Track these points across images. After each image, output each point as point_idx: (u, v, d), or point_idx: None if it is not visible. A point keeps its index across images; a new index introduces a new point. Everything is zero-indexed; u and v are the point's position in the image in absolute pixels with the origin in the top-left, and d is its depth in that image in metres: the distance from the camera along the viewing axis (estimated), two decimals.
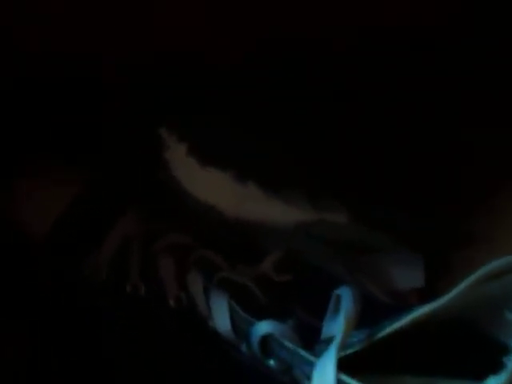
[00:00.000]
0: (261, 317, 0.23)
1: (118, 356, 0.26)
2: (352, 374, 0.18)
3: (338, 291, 0.21)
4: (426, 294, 0.29)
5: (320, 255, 0.26)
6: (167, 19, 0.22)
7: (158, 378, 0.26)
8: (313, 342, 0.22)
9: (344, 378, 0.17)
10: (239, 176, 0.25)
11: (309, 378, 0.19)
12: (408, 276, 0.31)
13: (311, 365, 0.19)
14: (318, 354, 0.19)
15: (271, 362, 0.22)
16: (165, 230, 0.27)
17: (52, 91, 0.29)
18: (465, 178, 0.30)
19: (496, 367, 0.19)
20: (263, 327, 0.22)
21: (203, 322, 0.25)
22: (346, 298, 0.19)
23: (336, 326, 0.20)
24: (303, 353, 0.20)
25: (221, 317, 0.24)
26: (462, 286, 0.19)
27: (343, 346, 0.19)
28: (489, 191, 0.28)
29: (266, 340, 0.22)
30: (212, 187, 0.25)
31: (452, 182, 0.31)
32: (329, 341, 0.20)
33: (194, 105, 0.27)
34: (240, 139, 0.26)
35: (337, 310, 0.21)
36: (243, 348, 0.23)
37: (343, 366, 0.18)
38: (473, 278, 0.19)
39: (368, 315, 0.21)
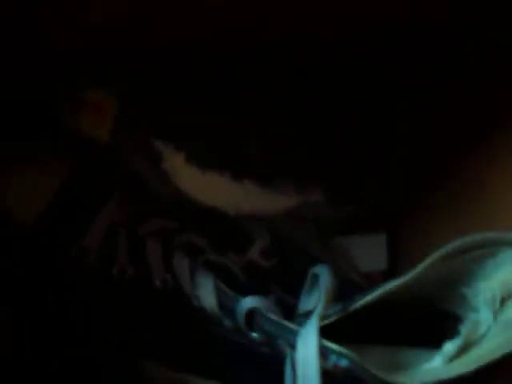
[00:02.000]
0: (242, 294, 0.25)
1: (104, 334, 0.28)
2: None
3: (315, 269, 0.23)
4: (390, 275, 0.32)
5: (300, 237, 0.29)
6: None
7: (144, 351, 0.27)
8: (288, 317, 0.24)
9: (325, 342, 0.19)
10: (235, 176, 0.27)
11: (292, 346, 0.21)
12: (371, 259, 0.34)
13: (295, 334, 0.21)
14: (299, 325, 0.22)
15: (254, 335, 0.24)
16: (151, 215, 0.29)
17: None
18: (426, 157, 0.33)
19: (453, 335, 0.22)
20: (248, 302, 0.24)
21: (188, 301, 0.26)
22: (324, 275, 0.22)
23: (313, 301, 0.23)
24: (287, 323, 0.22)
25: (207, 295, 0.26)
26: (422, 265, 0.22)
27: (322, 317, 0.21)
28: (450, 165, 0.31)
29: (250, 314, 0.24)
30: (213, 189, 0.27)
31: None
32: (307, 314, 0.22)
33: (186, 110, 0.29)
34: (233, 142, 0.28)
35: (313, 287, 0.24)
36: (226, 323, 0.25)
37: (321, 335, 0.21)
38: (433, 256, 0.22)
39: (343, 292, 0.23)
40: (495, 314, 0.22)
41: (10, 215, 0.29)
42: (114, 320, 0.28)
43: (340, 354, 0.20)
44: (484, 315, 0.22)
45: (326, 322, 0.21)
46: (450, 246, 0.22)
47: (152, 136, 0.28)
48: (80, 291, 0.28)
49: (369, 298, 0.21)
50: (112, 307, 0.28)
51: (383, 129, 0.35)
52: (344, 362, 0.19)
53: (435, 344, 0.22)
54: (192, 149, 0.28)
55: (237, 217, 0.27)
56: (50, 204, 0.29)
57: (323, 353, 0.20)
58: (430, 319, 0.23)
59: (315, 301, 0.22)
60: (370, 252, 0.34)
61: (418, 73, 0.32)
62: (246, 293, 0.25)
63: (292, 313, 0.24)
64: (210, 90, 0.27)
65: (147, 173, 0.29)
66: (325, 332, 0.21)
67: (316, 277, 0.22)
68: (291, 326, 0.22)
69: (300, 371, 0.19)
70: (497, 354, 0.20)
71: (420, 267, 0.22)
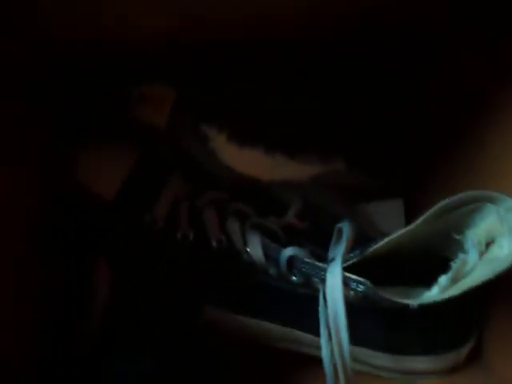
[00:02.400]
0: (284, 248, 0.31)
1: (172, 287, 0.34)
2: None
3: (339, 225, 0.29)
4: None
5: (327, 202, 0.35)
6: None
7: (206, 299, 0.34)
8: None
9: (347, 274, 0.26)
10: (268, 150, 0.33)
11: (323, 280, 0.27)
12: (390, 222, 0.39)
13: (325, 270, 0.27)
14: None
15: (294, 278, 0.31)
16: (206, 189, 0.34)
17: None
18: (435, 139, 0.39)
19: (446, 271, 0.28)
20: (289, 251, 0.30)
21: (240, 256, 0.32)
22: (346, 227, 0.28)
23: (339, 250, 0.29)
24: (319, 264, 0.28)
25: (255, 249, 0.31)
26: (421, 218, 0.27)
27: (345, 259, 0.27)
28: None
29: (290, 261, 0.30)
30: (249, 162, 0.33)
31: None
32: (334, 259, 0.29)
33: (225, 98, 0.35)
34: (263, 122, 0.35)
35: (338, 240, 0.30)
36: (272, 271, 0.32)
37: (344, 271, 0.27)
38: (430, 211, 0.28)
39: (361, 243, 0.30)
40: (480, 255, 0.28)
41: (89, 190, 0.34)
42: (179, 274, 0.34)
43: (358, 282, 0.26)
44: (471, 256, 0.28)
45: (349, 262, 0.28)
46: (443, 203, 0.28)
47: (199, 120, 0.34)
48: (153, 252, 0.34)
49: (379, 244, 0.27)
50: (178, 263, 0.33)
51: (397, 108, 0.41)
52: (361, 287, 0.26)
53: (434, 280, 0.28)
54: (231, 130, 0.34)
55: (271, 184, 0.33)
56: (125, 181, 0.35)
57: (345, 281, 0.26)
58: (430, 262, 0.29)
59: (340, 249, 0.29)
60: (389, 216, 0.39)
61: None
62: (285, 246, 0.31)
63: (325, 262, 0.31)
64: (243, 79, 0.33)
65: (197, 151, 0.35)
66: (348, 270, 0.28)
67: (340, 230, 0.29)
68: (322, 265, 0.28)
69: (329, 296, 0.26)
70: (479, 281, 0.26)
71: (419, 220, 0.28)
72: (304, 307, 0.32)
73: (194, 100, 0.35)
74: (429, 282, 0.29)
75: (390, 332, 0.32)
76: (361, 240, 0.30)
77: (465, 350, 0.33)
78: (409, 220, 0.39)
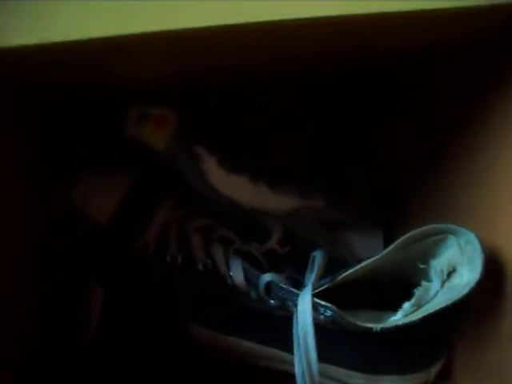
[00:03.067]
0: (264, 273, 0.33)
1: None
2: None
3: (313, 253, 0.32)
4: None
5: (308, 230, 0.37)
6: None
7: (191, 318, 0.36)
8: (298, 289, 0.32)
9: (316, 300, 0.28)
10: (253, 179, 0.35)
11: (296, 305, 0.30)
12: (369, 252, 0.41)
13: (298, 296, 0.30)
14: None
15: (271, 301, 0.33)
16: (195, 215, 0.37)
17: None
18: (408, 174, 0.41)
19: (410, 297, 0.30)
20: (267, 277, 0.32)
21: (223, 279, 0.35)
22: (318, 256, 0.30)
23: (311, 276, 0.31)
24: (293, 289, 0.31)
25: (237, 274, 0.34)
26: (390, 248, 0.30)
27: (316, 285, 0.30)
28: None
29: (268, 286, 0.32)
30: (235, 188, 0.35)
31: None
32: (306, 286, 0.31)
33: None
34: (250, 153, 0.37)
35: (313, 266, 0.32)
36: (252, 295, 0.34)
37: (316, 297, 0.29)
38: (397, 242, 0.30)
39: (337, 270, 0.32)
40: (443, 283, 0.30)
41: (84, 215, 0.36)
42: (167, 295, 0.35)
43: (326, 307, 0.28)
44: (434, 283, 0.30)
45: (321, 288, 0.30)
46: (409, 234, 0.30)
47: (192, 141, 0.36)
48: (144, 274, 0.36)
49: (349, 271, 0.30)
50: (166, 285, 0.35)
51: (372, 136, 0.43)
52: (329, 312, 0.28)
53: (399, 305, 0.31)
54: (221, 155, 0.36)
55: (254, 211, 0.35)
56: (118, 207, 0.36)
57: (315, 306, 0.28)
58: (396, 287, 0.32)
59: (312, 277, 0.31)
60: (368, 245, 0.41)
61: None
62: (266, 272, 0.34)
63: (301, 286, 0.33)
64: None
65: (189, 171, 0.36)
66: (320, 296, 0.30)
67: (314, 258, 0.31)
68: (296, 290, 0.30)
69: (300, 320, 0.28)
70: (440, 307, 0.28)
71: (388, 249, 0.30)
72: (282, 328, 0.34)
73: (187, 121, 0.36)
74: (397, 306, 0.31)
75: (365, 352, 0.34)
76: (338, 266, 0.32)
77: (434, 369, 0.35)
78: None
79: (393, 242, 0.31)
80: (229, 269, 0.35)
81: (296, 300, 0.29)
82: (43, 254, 0.35)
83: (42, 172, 0.36)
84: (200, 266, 0.35)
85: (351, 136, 0.46)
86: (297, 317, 0.29)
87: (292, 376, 0.30)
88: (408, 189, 0.40)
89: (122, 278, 0.36)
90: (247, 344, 0.35)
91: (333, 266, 0.33)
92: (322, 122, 0.44)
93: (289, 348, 0.32)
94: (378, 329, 0.28)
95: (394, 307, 0.31)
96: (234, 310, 0.35)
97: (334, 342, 0.32)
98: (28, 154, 0.34)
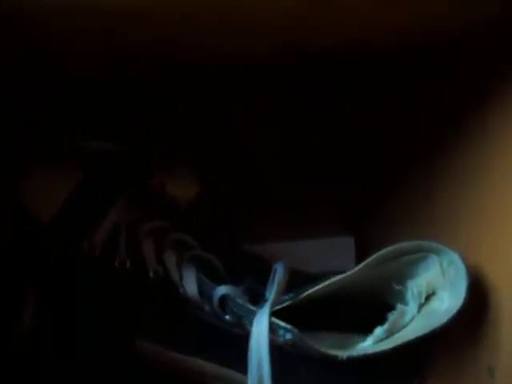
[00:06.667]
0: (220, 284, 0.30)
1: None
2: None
3: (275, 265, 0.28)
4: None
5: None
6: None
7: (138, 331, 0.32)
8: (259, 303, 0.29)
9: (275, 320, 0.24)
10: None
11: (252, 324, 0.26)
12: (340, 260, 0.38)
13: (254, 314, 0.26)
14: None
15: (227, 317, 0.29)
16: (147, 217, 0.34)
17: None
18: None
19: (383, 322, 0.27)
20: (222, 290, 0.29)
21: (175, 289, 0.31)
22: (280, 269, 0.27)
23: (271, 292, 0.28)
24: (250, 306, 0.27)
25: (190, 284, 0.30)
26: (362, 264, 0.27)
27: (276, 302, 0.26)
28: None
29: (223, 299, 0.29)
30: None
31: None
32: (264, 304, 0.27)
33: None
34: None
35: (273, 280, 0.29)
36: (206, 308, 0.30)
37: (275, 316, 0.26)
38: (370, 259, 0.27)
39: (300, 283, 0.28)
40: (420, 307, 0.27)
41: (25, 211, 0.34)
42: (113, 304, 0.32)
43: (286, 329, 0.25)
44: (411, 307, 0.27)
45: (280, 306, 0.26)
46: (385, 251, 0.27)
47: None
48: (87, 278, 0.33)
49: (315, 289, 0.26)
50: (112, 293, 0.32)
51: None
52: (289, 336, 0.25)
53: (370, 329, 0.27)
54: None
55: None
56: (63, 206, 0.34)
57: (273, 328, 0.25)
58: (368, 308, 0.28)
59: (271, 294, 0.27)
60: (338, 253, 0.38)
61: None
62: (225, 283, 0.30)
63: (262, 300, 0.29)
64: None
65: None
66: (280, 316, 0.26)
67: (275, 270, 0.28)
68: (253, 308, 0.27)
69: (254, 344, 0.24)
70: (415, 336, 0.25)
71: (360, 266, 0.27)
72: (239, 347, 0.30)
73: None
74: (368, 330, 0.28)
75: (328, 381, 0.30)
76: (303, 281, 0.29)
77: None
78: (358, 258, 0.38)
79: (367, 250, 0.28)
80: (181, 278, 0.31)
81: (252, 318, 0.26)
82: None
83: None
84: (150, 273, 0.32)
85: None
86: (252, 340, 0.25)
87: None
88: (385, 193, 0.38)
89: (59, 280, 0.33)
90: (199, 362, 0.32)
91: (298, 281, 0.29)
92: (298, 116, 0.41)
93: (247, 369, 0.29)
94: (344, 357, 0.24)
95: (365, 330, 0.28)
96: (185, 325, 0.32)
97: (294, 368, 0.29)
98: None
